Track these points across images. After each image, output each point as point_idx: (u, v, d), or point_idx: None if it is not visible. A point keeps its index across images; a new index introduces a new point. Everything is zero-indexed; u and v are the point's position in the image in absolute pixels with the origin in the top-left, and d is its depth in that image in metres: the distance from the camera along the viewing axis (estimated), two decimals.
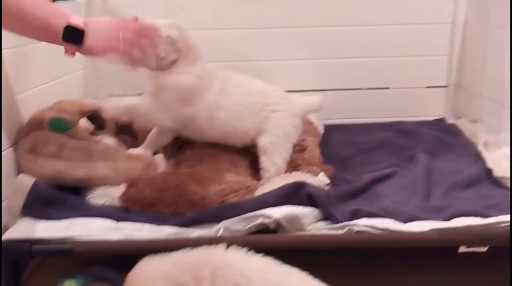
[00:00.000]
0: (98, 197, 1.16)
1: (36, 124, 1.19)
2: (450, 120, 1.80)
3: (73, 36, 0.92)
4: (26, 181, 1.08)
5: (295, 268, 0.85)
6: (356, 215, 1.08)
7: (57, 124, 1.21)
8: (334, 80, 1.84)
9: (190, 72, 1.24)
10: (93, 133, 1.32)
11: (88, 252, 1.03)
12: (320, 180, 1.27)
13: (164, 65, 1.23)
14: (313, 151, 1.41)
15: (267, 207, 1.06)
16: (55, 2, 1.05)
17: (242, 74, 1.35)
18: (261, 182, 1.27)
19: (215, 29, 1.74)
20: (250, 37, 1.77)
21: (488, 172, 1.31)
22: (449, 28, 1.78)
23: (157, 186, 1.16)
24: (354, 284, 1.15)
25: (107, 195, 1.16)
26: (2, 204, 1.08)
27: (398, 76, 1.84)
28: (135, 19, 1.04)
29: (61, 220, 1.07)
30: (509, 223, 1.02)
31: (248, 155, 1.34)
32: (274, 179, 1.25)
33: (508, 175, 1.24)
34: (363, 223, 1.05)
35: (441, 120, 1.84)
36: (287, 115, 1.31)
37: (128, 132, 1.43)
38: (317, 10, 1.75)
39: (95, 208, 1.12)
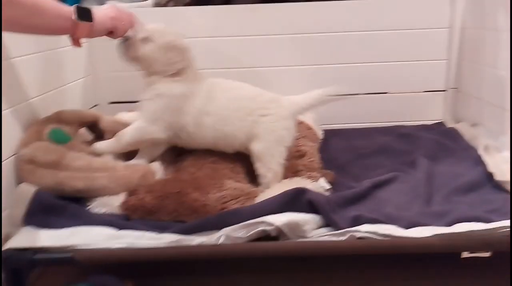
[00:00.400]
0: (98, 206, 1.16)
1: (36, 135, 1.18)
2: (450, 124, 1.80)
3: (85, 14, 1.06)
4: (28, 190, 1.09)
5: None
6: (357, 221, 1.07)
7: (57, 135, 1.21)
8: (333, 86, 1.84)
9: (182, 81, 1.27)
10: (92, 143, 1.32)
11: (89, 260, 1.03)
12: (320, 185, 1.27)
13: (169, 72, 1.26)
14: (313, 156, 1.41)
15: (268, 214, 1.06)
16: None
17: (230, 80, 1.36)
18: (260, 188, 1.27)
19: (214, 37, 1.75)
20: (249, 44, 1.77)
21: (489, 176, 1.30)
22: (447, 32, 1.79)
23: (158, 193, 1.16)
24: None
25: (107, 204, 1.16)
26: (3, 213, 1.08)
27: (397, 81, 1.84)
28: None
29: (63, 229, 1.07)
30: (509, 228, 1.02)
31: (248, 161, 1.34)
32: (275, 185, 1.25)
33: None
34: (364, 229, 1.05)
35: (440, 124, 1.83)
36: (277, 119, 1.30)
37: None
38: (315, 17, 1.75)
39: (96, 216, 1.12)
